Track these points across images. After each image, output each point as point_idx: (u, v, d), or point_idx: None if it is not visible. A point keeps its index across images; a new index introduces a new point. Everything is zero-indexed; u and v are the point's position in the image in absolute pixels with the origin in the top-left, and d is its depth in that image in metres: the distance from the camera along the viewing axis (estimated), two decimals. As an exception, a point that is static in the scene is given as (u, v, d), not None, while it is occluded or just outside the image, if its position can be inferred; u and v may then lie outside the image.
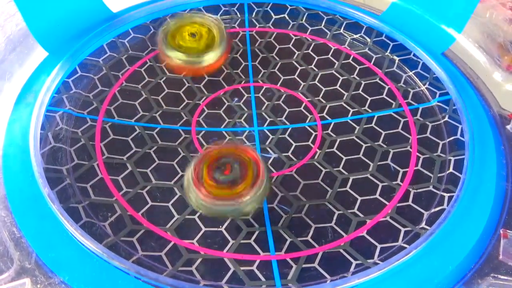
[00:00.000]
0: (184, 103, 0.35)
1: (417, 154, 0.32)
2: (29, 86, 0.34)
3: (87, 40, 0.37)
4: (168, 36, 0.35)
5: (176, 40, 0.35)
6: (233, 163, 0.26)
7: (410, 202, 0.29)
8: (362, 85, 0.37)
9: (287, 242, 0.28)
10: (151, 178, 0.30)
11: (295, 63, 0.39)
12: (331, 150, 0.32)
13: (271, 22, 0.42)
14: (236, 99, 0.36)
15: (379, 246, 0.27)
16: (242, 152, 0.27)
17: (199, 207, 0.26)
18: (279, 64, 0.39)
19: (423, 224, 0.28)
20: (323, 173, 0.31)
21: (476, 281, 0.25)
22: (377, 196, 0.30)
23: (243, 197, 0.25)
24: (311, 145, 0.33)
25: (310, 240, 0.28)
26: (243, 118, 0.34)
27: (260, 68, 0.38)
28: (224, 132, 0.33)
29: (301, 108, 0.35)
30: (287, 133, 0.34)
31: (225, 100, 0.36)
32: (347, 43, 0.40)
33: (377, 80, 0.37)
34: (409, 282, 0.25)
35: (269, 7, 0.43)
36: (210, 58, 0.35)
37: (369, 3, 0.43)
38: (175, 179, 0.30)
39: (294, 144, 0.33)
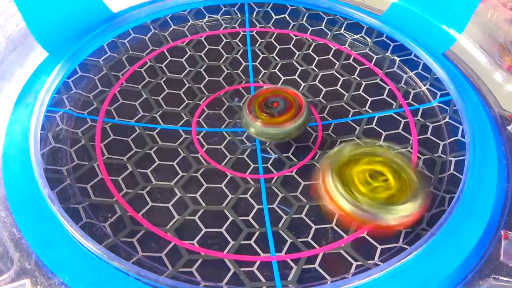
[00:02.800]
0: (184, 104, 0.35)
1: (418, 154, 0.32)
2: (29, 86, 0.34)
3: (87, 40, 0.37)
4: (339, 170, 0.26)
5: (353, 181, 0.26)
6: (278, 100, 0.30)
7: (410, 203, 0.29)
8: (363, 86, 0.37)
9: (288, 243, 0.27)
10: (151, 179, 0.30)
11: (295, 64, 0.39)
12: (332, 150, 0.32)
13: (271, 22, 0.42)
14: (236, 99, 0.36)
15: (379, 247, 0.27)
16: (283, 91, 0.31)
17: (258, 134, 0.30)
18: (279, 65, 0.39)
19: (424, 225, 0.28)
20: (323, 173, 0.31)
21: (477, 282, 0.25)
22: (377, 197, 0.30)
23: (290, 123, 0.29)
24: (312, 145, 0.33)
25: (311, 241, 0.28)
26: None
27: (261, 68, 0.38)
28: (224, 132, 0.33)
29: (302, 109, 0.35)
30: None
31: (225, 101, 0.35)
32: (347, 43, 0.40)
33: (378, 80, 0.37)
34: (410, 283, 0.25)
35: (269, 7, 0.43)
36: (403, 210, 0.25)
37: (369, 3, 0.43)
38: (176, 179, 0.30)
39: (294, 145, 0.33)
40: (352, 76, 0.38)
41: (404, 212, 0.24)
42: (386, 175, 0.26)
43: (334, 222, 0.28)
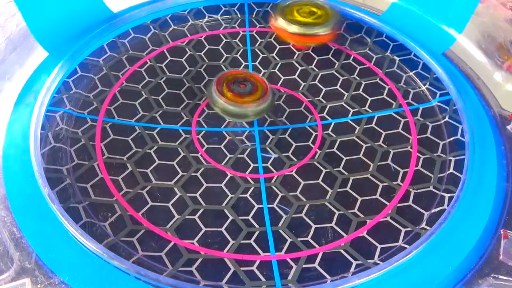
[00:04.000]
0: (184, 103, 0.35)
1: (418, 154, 0.32)
2: (29, 86, 0.34)
3: (87, 40, 0.37)
4: (286, 10, 0.38)
5: (293, 15, 0.38)
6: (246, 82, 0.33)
7: (410, 203, 0.29)
8: (363, 85, 0.37)
9: (287, 242, 0.28)
10: (151, 178, 0.30)
11: (295, 63, 0.39)
12: (331, 150, 0.32)
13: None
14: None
15: (379, 247, 0.27)
16: (252, 76, 0.34)
17: (222, 110, 0.32)
18: (279, 64, 0.39)
19: (423, 225, 0.28)
20: (323, 173, 0.31)
21: (477, 282, 0.25)
22: (377, 196, 0.30)
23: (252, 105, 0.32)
24: (311, 145, 0.33)
25: (310, 241, 0.28)
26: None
27: (261, 68, 0.38)
28: (224, 132, 0.33)
29: (301, 108, 0.35)
30: (287, 133, 0.34)
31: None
32: (347, 43, 0.40)
33: (378, 80, 0.37)
34: (410, 283, 0.25)
35: (269, 7, 0.43)
36: (322, 31, 0.37)
37: (369, 3, 0.43)
38: (175, 179, 0.30)
39: (294, 144, 0.33)
40: (352, 76, 0.38)
41: (321, 31, 0.37)
42: (316, 12, 0.38)
43: (334, 222, 0.28)
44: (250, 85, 0.33)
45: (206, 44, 0.40)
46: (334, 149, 0.33)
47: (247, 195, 0.30)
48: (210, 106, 0.35)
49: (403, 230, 0.28)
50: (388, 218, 0.29)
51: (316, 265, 0.27)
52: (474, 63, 0.38)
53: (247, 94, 0.32)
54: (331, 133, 0.34)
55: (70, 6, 0.38)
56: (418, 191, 0.30)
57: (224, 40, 0.40)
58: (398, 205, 0.29)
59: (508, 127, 0.33)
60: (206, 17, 0.42)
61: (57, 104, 0.33)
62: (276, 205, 0.29)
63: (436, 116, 0.34)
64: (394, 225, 0.28)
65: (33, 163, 0.28)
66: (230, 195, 0.30)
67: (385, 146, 0.33)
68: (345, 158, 0.32)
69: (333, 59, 0.39)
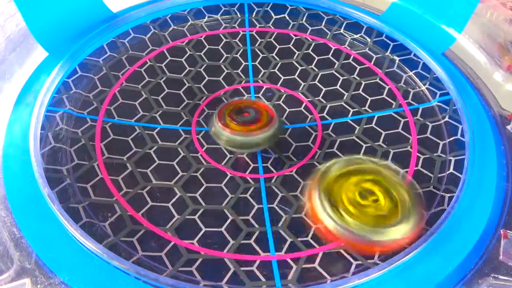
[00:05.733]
0: (184, 103, 0.35)
1: (417, 154, 0.32)
2: (29, 86, 0.34)
3: (87, 40, 0.37)
4: (327, 189, 0.25)
5: (341, 199, 0.25)
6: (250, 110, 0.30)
7: (410, 202, 0.29)
8: (362, 85, 0.37)
9: (287, 242, 0.28)
10: (151, 178, 0.30)
11: (295, 63, 0.39)
12: (331, 150, 0.32)
13: (271, 22, 0.42)
14: (236, 99, 0.36)
15: (379, 247, 0.27)
16: (257, 104, 0.31)
17: (228, 142, 0.29)
18: (279, 64, 0.39)
19: (423, 225, 0.28)
20: (323, 173, 0.31)
21: (476, 282, 0.25)
22: (377, 196, 0.30)
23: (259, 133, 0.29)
24: (311, 145, 0.33)
25: (310, 240, 0.28)
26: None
27: (260, 68, 0.38)
28: (224, 132, 0.33)
29: (301, 108, 0.35)
30: (287, 133, 0.34)
31: (225, 100, 0.36)
32: (347, 43, 0.40)
33: (377, 80, 0.37)
34: (410, 283, 0.25)
35: (269, 7, 0.43)
36: (395, 233, 0.23)
37: (369, 3, 0.43)
38: (175, 179, 0.30)
39: (294, 144, 0.33)
40: (352, 76, 0.38)
41: (396, 235, 0.23)
42: (376, 195, 0.25)
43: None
44: (254, 112, 0.30)
45: (206, 44, 0.40)
46: (334, 149, 0.33)
47: (247, 195, 0.30)
48: (210, 105, 0.35)
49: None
50: (388, 218, 0.29)
51: (316, 265, 0.27)
52: (474, 63, 0.38)
53: (252, 121, 0.30)
54: (331, 133, 0.34)
55: (70, 6, 0.38)
56: (418, 191, 0.30)
57: (224, 40, 0.40)
58: (398, 205, 0.29)
59: (508, 127, 0.33)
60: (206, 17, 0.42)
61: (57, 104, 0.33)
62: (276, 205, 0.29)
63: (436, 116, 0.34)
64: (394, 225, 0.28)
65: (33, 163, 0.28)
66: (230, 195, 0.30)
67: (385, 146, 0.33)
68: (345, 158, 0.32)
69: (333, 59, 0.39)
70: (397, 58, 0.39)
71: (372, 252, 0.25)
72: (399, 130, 0.34)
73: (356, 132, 0.34)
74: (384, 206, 0.24)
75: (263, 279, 0.26)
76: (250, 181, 0.31)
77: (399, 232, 0.23)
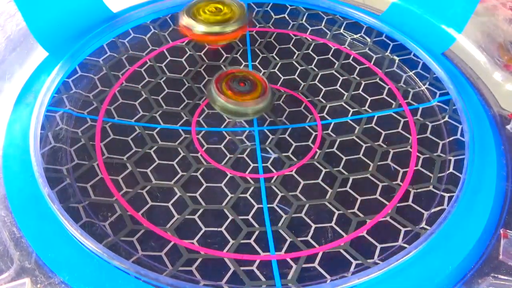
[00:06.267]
0: (184, 103, 0.35)
1: (417, 154, 0.32)
2: (29, 86, 0.34)
3: (87, 40, 0.37)
4: (192, 10, 0.37)
5: (200, 14, 0.36)
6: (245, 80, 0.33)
7: (410, 202, 0.29)
8: (362, 85, 0.37)
9: (287, 242, 0.28)
10: (151, 178, 0.30)
11: (295, 63, 0.39)
12: (331, 150, 0.32)
13: (271, 22, 0.42)
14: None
15: (379, 246, 0.27)
16: (251, 74, 0.34)
17: (223, 108, 0.32)
18: (279, 64, 0.39)
19: (423, 224, 0.28)
20: (323, 173, 0.31)
21: (476, 281, 0.25)
22: (377, 196, 0.30)
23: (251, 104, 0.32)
24: (311, 145, 0.33)
25: (310, 240, 0.28)
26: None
27: (260, 68, 0.38)
28: (224, 132, 0.33)
29: (301, 108, 0.35)
30: (287, 133, 0.34)
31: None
32: (347, 43, 0.40)
33: (377, 80, 0.37)
34: (409, 282, 0.25)
35: (269, 7, 0.43)
36: (230, 29, 0.36)
37: (369, 3, 0.43)
38: (175, 179, 0.30)
39: (294, 144, 0.33)
40: (352, 76, 0.38)
41: (230, 28, 0.36)
42: (222, 9, 0.37)
43: (333, 222, 0.28)
44: (249, 84, 0.33)
45: (206, 44, 0.40)
46: (334, 149, 0.33)
47: (247, 195, 0.30)
48: (210, 105, 0.35)
49: (403, 229, 0.28)
50: (387, 218, 0.29)
51: (316, 265, 0.27)
52: (474, 63, 0.38)
53: (246, 92, 0.32)
54: (331, 133, 0.34)
55: (70, 6, 0.38)
56: (418, 190, 0.30)
57: (224, 40, 0.40)
58: (398, 204, 0.29)
59: (508, 127, 0.33)
60: (206, 17, 0.42)
61: (57, 104, 0.33)
62: (276, 205, 0.29)
63: (436, 116, 0.34)
64: (394, 225, 0.28)
65: (33, 163, 0.28)
66: (230, 195, 0.30)
67: (385, 146, 0.33)
68: (344, 158, 0.32)
69: (333, 59, 0.39)
70: (397, 58, 0.39)
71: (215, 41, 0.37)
72: (399, 130, 0.34)
73: (356, 132, 0.34)
74: (226, 13, 0.37)
75: (263, 279, 0.26)
76: (250, 181, 0.31)
77: (233, 26, 0.36)
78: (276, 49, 0.40)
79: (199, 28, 0.36)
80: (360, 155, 0.32)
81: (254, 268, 0.26)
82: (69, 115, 0.33)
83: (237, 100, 0.32)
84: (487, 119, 0.33)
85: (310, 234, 0.28)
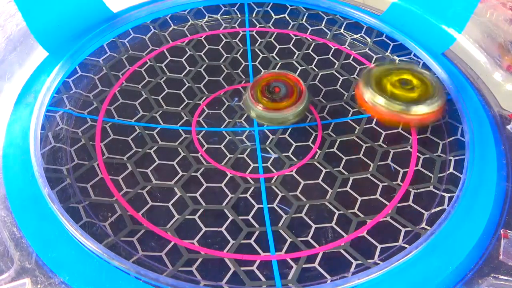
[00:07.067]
0: (184, 103, 0.35)
1: (417, 154, 0.32)
2: (29, 86, 0.34)
3: (87, 40, 0.37)
4: (373, 79, 0.32)
5: (384, 86, 0.31)
6: (280, 85, 0.33)
7: (410, 202, 0.29)
8: (362, 85, 0.37)
9: (287, 242, 0.28)
10: (151, 178, 0.30)
11: (295, 63, 0.39)
12: (331, 150, 0.32)
13: (271, 22, 0.42)
14: (236, 99, 0.36)
15: (379, 246, 0.27)
16: (287, 77, 0.33)
17: (259, 117, 0.32)
18: (279, 64, 0.39)
19: (423, 224, 0.28)
20: (323, 173, 0.31)
21: (477, 281, 0.25)
22: (377, 196, 0.30)
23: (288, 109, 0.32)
24: (311, 145, 0.33)
25: (310, 240, 0.28)
26: (243, 118, 0.34)
27: (260, 68, 0.38)
28: (224, 132, 0.33)
29: (301, 108, 0.35)
30: (287, 133, 0.34)
31: (225, 100, 0.36)
32: (347, 43, 0.40)
33: (377, 80, 0.37)
34: (410, 282, 0.25)
35: (269, 7, 0.43)
36: (421, 110, 0.30)
37: (369, 3, 0.43)
38: (175, 179, 0.30)
39: (294, 144, 0.33)
40: (352, 76, 0.38)
41: (426, 110, 0.30)
42: (412, 83, 0.32)
43: (334, 222, 0.28)
44: (284, 88, 0.33)
45: (206, 44, 0.40)
46: (334, 149, 0.33)
47: (247, 195, 0.30)
48: (210, 105, 0.35)
49: (403, 230, 0.28)
50: (388, 218, 0.29)
51: (316, 265, 0.27)
52: (474, 63, 0.38)
53: (283, 97, 0.32)
54: (331, 133, 0.34)
55: (70, 6, 0.38)
56: (418, 191, 0.30)
57: (224, 40, 0.40)
58: (398, 205, 0.29)
59: (508, 127, 0.33)
60: (206, 17, 0.42)
61: (57, 104, 0.33)
62: (276, 205, 0.29)
63: (436, 116, 0.34)
64: (394, 225, 0.28)
65: (33, 163, 0.28)
66: (230, 195, 0.30)
67: (385, 146, 0.33)
68: (345, 158, 0.32)
69: (333, 59, 0.39)
70: (397, 58, 0.39)
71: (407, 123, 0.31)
72: (399, 130, 0.34)
73: (356, 132, 0.34)
74: (419, 88, 0.31)
75: (263, 279, 0.26)
76: (250, 181, 0.31)
77: (432, 106, 0.30)
78: (276, 49, 0.40)
79: (394, 107, 0.30)
80: (360, 155, 0.32)
81: (254, 268, 0.26)
82: (69, 115, 0.33)
83: (274, 108, 0.31)
84: (487, 119, 0.33)
85: (310, 234, 0.28)
